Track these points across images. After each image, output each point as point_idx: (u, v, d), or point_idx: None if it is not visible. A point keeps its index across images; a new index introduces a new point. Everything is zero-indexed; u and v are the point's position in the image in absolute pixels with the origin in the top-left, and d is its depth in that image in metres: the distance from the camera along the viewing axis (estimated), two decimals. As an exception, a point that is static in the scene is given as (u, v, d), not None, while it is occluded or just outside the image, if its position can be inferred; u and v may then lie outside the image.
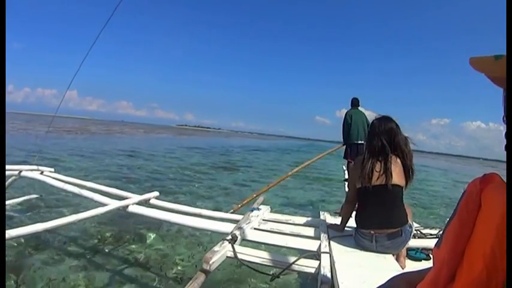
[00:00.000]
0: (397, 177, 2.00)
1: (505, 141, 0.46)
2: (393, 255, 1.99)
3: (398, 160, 2.04)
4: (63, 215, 2.39)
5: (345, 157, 4.99)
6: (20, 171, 3.54)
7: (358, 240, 2.05)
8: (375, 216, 1.98)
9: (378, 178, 1.98)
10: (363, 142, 4.85)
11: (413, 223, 2.27)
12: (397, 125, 2.10)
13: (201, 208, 3.01)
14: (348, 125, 4.82)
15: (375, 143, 2.06)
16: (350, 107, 5.01)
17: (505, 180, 0.45)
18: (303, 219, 2.82)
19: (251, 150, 23.92)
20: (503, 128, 0.48)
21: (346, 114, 4.95)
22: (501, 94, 0.50)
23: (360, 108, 4.96)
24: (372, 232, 1.96)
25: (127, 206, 2.70)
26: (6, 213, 3.69)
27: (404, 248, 2.07)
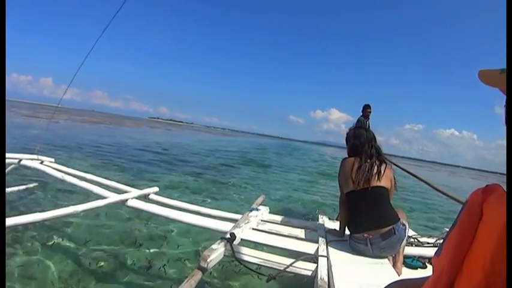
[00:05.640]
0: (384, 179, 2.11)
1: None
2: (391, 259, 2.00)
3: (383, 164, 2.17)
4: (61, 206, 2.38)
5: None
6: (20, 160, 3.54)
7: (353, 246, 2.07)
8: (365, 218, 2.02)
9: (367, 180, 2.08)
10: None
11: (410, 230, 2.29)
12: None
13: (201, 206, 3.01)
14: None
15: (366, 148, 2.22)
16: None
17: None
18: (301, 222, 2.82)
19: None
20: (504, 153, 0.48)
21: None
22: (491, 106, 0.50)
23: (361, 117, 4.84)
24: (366, 235, 1.98)
25: (126, 200, 2.70)
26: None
27: (402, 254, 2.08)
